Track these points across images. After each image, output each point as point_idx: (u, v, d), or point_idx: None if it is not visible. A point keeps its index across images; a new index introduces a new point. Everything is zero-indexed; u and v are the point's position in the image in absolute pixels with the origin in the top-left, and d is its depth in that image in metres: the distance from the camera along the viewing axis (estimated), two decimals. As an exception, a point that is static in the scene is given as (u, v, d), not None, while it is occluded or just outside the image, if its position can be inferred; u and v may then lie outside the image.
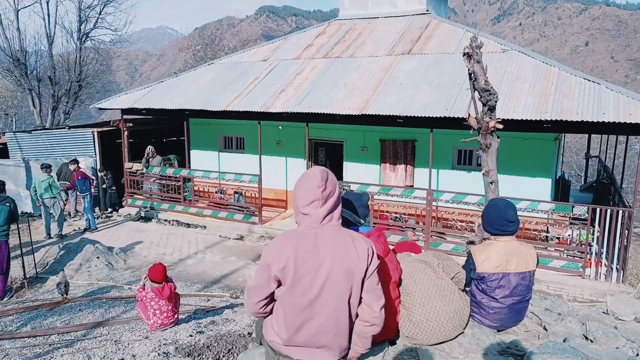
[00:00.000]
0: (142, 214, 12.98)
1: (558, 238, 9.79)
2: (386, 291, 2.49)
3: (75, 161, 12.17)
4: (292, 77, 12.33)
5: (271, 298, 2.18)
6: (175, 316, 5.60)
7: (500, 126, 4.68)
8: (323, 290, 2.07)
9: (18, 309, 6.55)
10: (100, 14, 23.29)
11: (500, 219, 2.93)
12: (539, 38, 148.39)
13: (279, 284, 2.12)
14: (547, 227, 10.08)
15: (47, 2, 21.90)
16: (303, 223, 2.16)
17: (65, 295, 6.90)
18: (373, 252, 2.13)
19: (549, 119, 8.53)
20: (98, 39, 24.18)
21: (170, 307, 5.49)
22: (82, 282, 8.27)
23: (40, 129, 16.36)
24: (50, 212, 11.05)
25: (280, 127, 12.37)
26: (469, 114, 4.93)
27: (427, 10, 13.70)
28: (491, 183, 4.80)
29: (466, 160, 11.32)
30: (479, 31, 5.49)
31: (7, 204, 7.47)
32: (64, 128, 15.55)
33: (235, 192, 13.09)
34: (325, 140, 13.07)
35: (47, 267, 9.01)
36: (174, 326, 5.50)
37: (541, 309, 3.48)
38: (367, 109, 10.16)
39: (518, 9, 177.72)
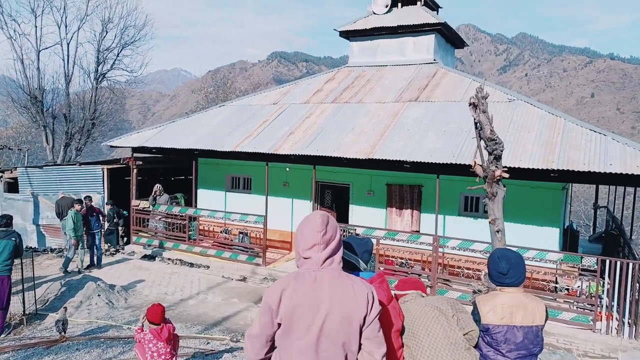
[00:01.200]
0: (150, 252, 12.97)
1: (567, 289, 9.57)
2: (388, 340, 2.43)
3: (89, 198, 12.35)
4: (301, 121, 12.56)
5: (273, 344, 2.15)
6: (174, 359, 5.46)
7: (506, 175, 4.70)
8: (320, 334, 2.04)
9: (15, 347, 6.43)
10: (117, 56, 24.14)
11: (494, 270, 2.90)
12: (545, 88, 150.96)
13: (279, 326, 2.11)
14: (556, 278, 9.88)
15: (68, 44, 22.80)
16: (304, 266, 2.17)
17: (63, 334, 6.78)
18: (374, 298, 2.11)
19: (555, 169, 8.55)
20: (114, 79, 24.93)
21: (168, 350, 5.36)
22: (81, 320, 8.13)
23: (52, 165, 16.62)
24: (66, 246, 11.43)
25: (287, 169, 12.48)
26: (475, 162, 4.97)
27: (435, 60, 14.08)
28: (497, 231, 4.77)
29: (473, 207, 11.28)
30: (484, 82, 5.62)
31: (13, 239, 7.48)
32: (75, 164, 15.79)
33: (240, 233, 13.05)
34: (332, 183, 13.13)
35: (47, 304, 8.90)
36: None
37: (550, 364, 3.36)
38: (374, 153, 10.26)
39: (524, 60, 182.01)
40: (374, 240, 10.54)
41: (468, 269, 10.19)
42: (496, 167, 4.64)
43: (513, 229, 10.05)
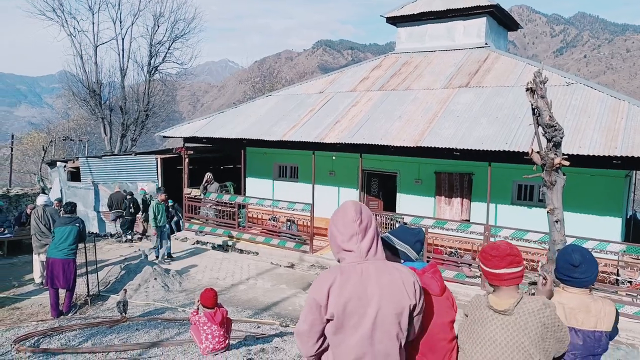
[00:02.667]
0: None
1: (630, 282, 9.06)
2: (443, 331, 2.39)
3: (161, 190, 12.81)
4: (347, 109, 12.50)
5: (324, 339, 2.12)
6: (227, 342, 5.65)
7: (567, 163, 4.48)
8: (374, 328, 2.01)
9: (81, 325, 6.87)
10: (169, 49, 24.94)
11: (564, 261, 2.65)
12: (606, 70, 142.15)
13: (328, 321, 2.07)
14: (617, 270, 9.37)
15: (123, 39, 23.77)
16: (346, 259, 2.11)
17: (124, 314, 7.17)
18: (419, 286, 2.08)
19: (618, 155, 8.06)
20: (165, 72, 25.80)
21: (222, 332, 5.55)
22: (139, 302, 8.57)
23: (110, 155, 17.48)
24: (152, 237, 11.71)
25: (333, 158, 12.49)
26: (532, 150, 4.76)
27: (486, 44, 13.56)
28: (556, 222, 4.56)
29: (527, 195, 10.86)
30: (543, 66, 5.35)
31: (77, 224, 7.95)
32: (131, 154, 16.52)
33: (288, 220, 13.23)
34: (378, 171, 13.02)
35: (108, 286, 9.43)
36: (224, 351, 5.55)
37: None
38: (422, 141, 10.07)
39: (582, 41, 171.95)
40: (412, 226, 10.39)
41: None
42: (555, 154, 4.42)
43: (571, 218, 9.59)
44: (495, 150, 9.15)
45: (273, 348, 5.78)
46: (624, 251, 8.74)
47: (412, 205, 12.04)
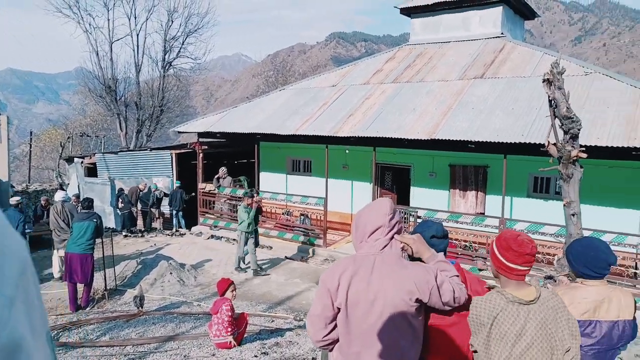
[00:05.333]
0: (216, 233, 13.43)
1: (650, 276, 8.88)
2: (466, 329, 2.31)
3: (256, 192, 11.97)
4: (360, 102, 12.42)
5: (334, 326, 2.15)
6: (224, 338, 5.50)
7: (584, 155, 4.38)
8: (380, 319, 2.03)
9: (98, 319, 7.00)
10: (182, 44, 25.05)
11: (603, 261, 2.60)
12: (626, 59, 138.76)
13: (339, 310, 2.11)
14: (636, 263, 9.19)
15: (137, 35, 23.95)
16: (362, 250, 2.16)
17: (140, 309, 7.28)
18: (437, 275, 2.04)
19: (637, 146, 7.87)
20: (180, 67, 25.94)
21: (219, 322, 5.47)
22: (156, 297, 8.69)
23: (126, 150, 17.69)
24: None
25: (347, 151, 12.44)
26: (549, 142, 4.66)
27: (502, 34, 13.33)
28: (573, 215, 4.48)
29: (543, 188, 10.69)
30: (560, 56, 5.23)
31: (94, 220, 8.08)
32: (147, 150, 16.69)
33: (301, 214, 13.26)
34: (392, 165, 12.94)
35: (125, 280, 9.58)
36: (225, 350, 5.46)
37: (631, 355, 3.14)
38: (437, 133, 9.97)
39: (602, 28, 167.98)
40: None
41: (538, 253, 9.70)
42: (572, 147, 4.32)
43: (589, 210, 9.41)
44: (510, 143, 9.01)
45: (287, 342, 5.81)
46: (644, 244, 8.56)
47: (426, 199, 11.95)
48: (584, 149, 4.46)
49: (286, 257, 11.79)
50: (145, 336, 6.22)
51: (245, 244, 10.36)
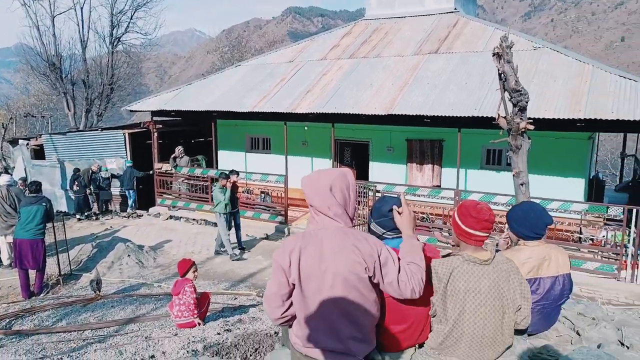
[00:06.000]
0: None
1: (592, 239, 9.49)
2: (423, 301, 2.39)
3: (236, 173, 10.34)
4: (318, 78, 12.36)
5: (290, 303, 2.17)
6: (186, 319, 5.46)
7: (532, 127, 4.57)
8: (332, 292, 2.06)
9: (54, 305, 6.78)
10: (131, 18, 23.93)
11: (542, 222, 2.83)
12: (572, 34, 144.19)
13: (294, 286, 2.13)
14: (580, 228, 9.79)
15: (82, 8, 22.63)
16: (312, 224, 2.18)
17: (98, 292, 7.11)
18: (381, 252, 2.07)
19: (582, 118, 8.29)
20: (129, 43, 24.84)
21: (181, 302, 5.43)
22: (114, 280, 8.50)
23: (75, 131, 16.91)
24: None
25: (306, 128, 12.41)
26: (499, 115, 4.84)
27: (455, 9, 13.51)
28: (522, 185, 4.70)
29: (495, 160, 11.10)
30: (509, 30, 5.38)
31: (44, 204, 7.74)
32: (97, 130, 16.02)
33: (262, 192, 13.21)
34: (351, 140, 13.04)
35: (80, 265, 9.29)
36: (187, 329, 5.45)
37: (574, 313, 3.38)
38: (394, 108, 10.09)
39: (550, 4, 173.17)
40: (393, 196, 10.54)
41: (490, 222, 10.14)
42: (521, 119, 4.50)
43: (537, 180, 9.89)
44: (464, 116, 9.26)
45: (250, 318, 5.85)
46: (587, 210, 9.11)
47: (384, 173, 12.17)
48: (531, 120, 4.66)
49: (247, 235, 11.76)
50: (104, 320, 6.10)
51: (229, 227, 9.89)
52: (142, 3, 23.88)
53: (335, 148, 12.33)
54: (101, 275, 7.71)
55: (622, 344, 2.95)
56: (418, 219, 10.79)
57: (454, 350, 2.33)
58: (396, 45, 12.80)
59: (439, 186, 11.37)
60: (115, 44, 23.64)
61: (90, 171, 13.86)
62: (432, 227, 10.55)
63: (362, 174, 12.86)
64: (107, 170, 14.28)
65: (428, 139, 11.57)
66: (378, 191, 10.88)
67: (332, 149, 11.83)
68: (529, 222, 2.84)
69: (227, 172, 10.11)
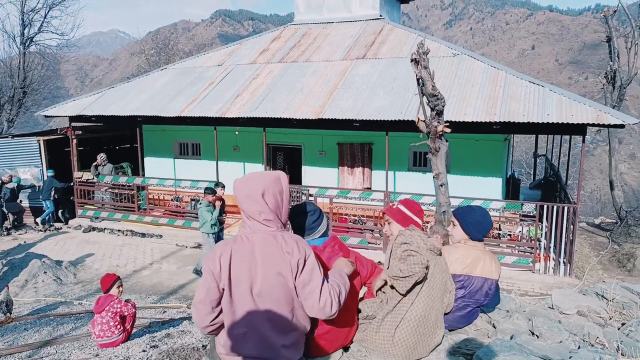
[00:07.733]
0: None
1: (510, 235, 10.15)
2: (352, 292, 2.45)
3: (222, 185, 9.37)
4: (248, 82, 12.22)
5: (220, 310, 2.13)
6: (109, 339, 5.14)
7: (448, 130, 4.80)
8: (260, 296, 2.06)
9: (-44, 332, 6.13)
10: (45, 17, 22.29)
11: (490, 227, 3.12)
12: (489, 42, 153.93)
13: (223, 291, 2.10)
14: (500, 225, 10.43)
15: (-13, 5, 20.76)
16: (244, 229, 2.17)
17: (8, 314, 6.52)
18: (305, 260, 2.07)
19: (497, 121, 8.84)
20: (43, 44, 23.14)
21: (104, 321, 5.12)
22: (28, 299, 7.85)
23: (-19, 138, 15.43)
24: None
25: (236, 133, 12.22)
26: (419, 119, 5.03)
27: (381, 16, 13.94)
28: (441, 185, 4.91)
29: (421, 162, 11.56)
30: (425, 38, 5.62)
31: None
32: (7, 137, 14.75)
33: (192, 200, 12.81)
34: (283, 145, 13.02)
35: (-11, 285, 8.48)
36: (124, 342, 5.24)
37: (502, 311, 3.56)
38: (324, 113, 10.20)
39: (468, 14, 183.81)
40: (326, 200, 10.66)
41: (418, 222, 10.53)
42: (438, 122, 4.72)
43: (459, 180, 10.44)
44: (391, 120, 9.55)
45: (179, 332, 5.62)
46: (505, 207, 9.73)
47: (317, 177, 12.27)
48: (448, 124, 4.89)
49: (177, 245, 11.36)
50: (15, 345, 5.60)
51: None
52: (57, 1, 22.36)
53: (268, 153, 12.25)
54: (13, 295, 7.08)
55: (533, 333, 3.16)
56: (350, 221, 10.98)
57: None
58: (325, 50, 12.97)
59: (370, 188, 11.64)
60: (27, 44, 21.92)
61: (1, 182, 12.73)
62: (364, 229, 10.78)
63: (295, 178, 12.87)
64: (19, 181, 13.16)
65: (358, 142, 11.82)
66: (311, 195, 10.94)
67: (265, 154, 11.74)
68: (483, 226, 3.11)
69: (212, 187, 9.01)
